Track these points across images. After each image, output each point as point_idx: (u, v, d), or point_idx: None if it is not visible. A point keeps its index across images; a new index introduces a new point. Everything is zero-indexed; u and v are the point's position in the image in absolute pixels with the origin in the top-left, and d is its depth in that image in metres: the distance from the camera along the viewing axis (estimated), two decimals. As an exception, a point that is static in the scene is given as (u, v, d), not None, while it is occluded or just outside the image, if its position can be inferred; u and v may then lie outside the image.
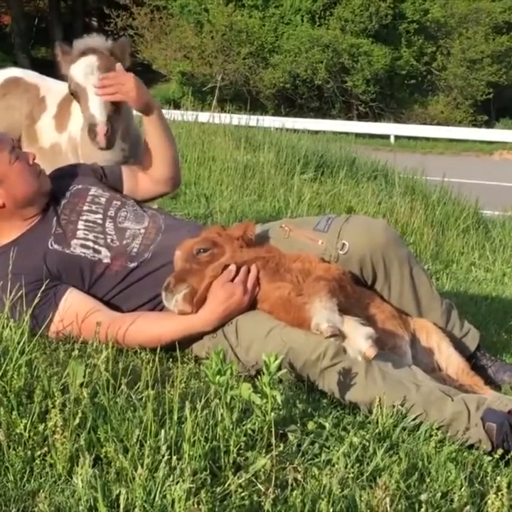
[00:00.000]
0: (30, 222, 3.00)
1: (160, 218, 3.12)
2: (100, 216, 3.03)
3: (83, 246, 2.94)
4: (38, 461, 1.97)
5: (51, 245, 2.93)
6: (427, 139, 27.81)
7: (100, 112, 3.22)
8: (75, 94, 3.34)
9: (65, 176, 3.19)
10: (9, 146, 2.96)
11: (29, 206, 2.99)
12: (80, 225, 2.99)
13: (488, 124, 31.67)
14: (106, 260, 2.94)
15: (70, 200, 3.07)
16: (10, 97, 4.18)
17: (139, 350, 2.77)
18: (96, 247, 2.95)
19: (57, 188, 3.08)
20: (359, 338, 2.49)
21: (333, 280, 2.68)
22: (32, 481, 1.93)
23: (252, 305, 2.79)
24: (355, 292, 2.84)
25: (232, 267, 2.76)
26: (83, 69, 3.24)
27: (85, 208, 3.04)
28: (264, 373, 2.17)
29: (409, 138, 27.69)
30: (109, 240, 2.98)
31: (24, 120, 4.12)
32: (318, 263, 2.84)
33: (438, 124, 30.46)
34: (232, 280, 2.74)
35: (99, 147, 3.27)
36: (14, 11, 36.07)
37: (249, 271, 2.78)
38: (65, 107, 3.95)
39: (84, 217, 3.01)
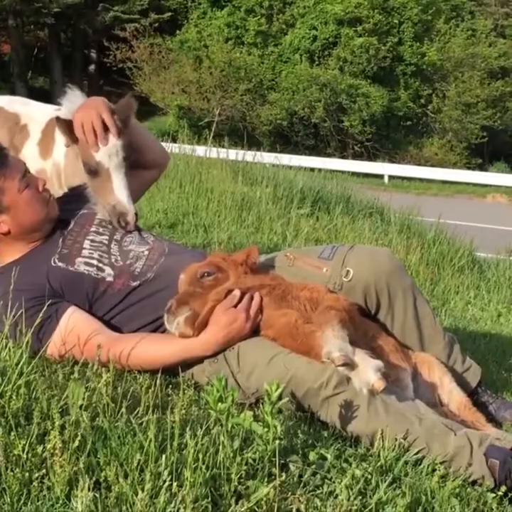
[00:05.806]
0: (33, 246, 3.01)
1: (164, 243, 3.14)
2: (106, 237, 3.04)
3: (87, 264, 2.94)
4: (35, 484, 1.92)
5: (54, 262, 2.92)
6: (421, 180, 28.01)
7: (129, 199, 3.05)
8: (96, 173, 3.10)
9: (73, 200, 3.20)
10: (20, 174, 2.93)
11: (34, 233, 3.00)
12: (86, 244, 3.00)
13: (482, 167, 31.95)
14: (109, 278, 2.94)
15: (78, 222, 3.09)
16: None
17: (138, 376, 2.74)
18: (100, 265, 2.95)
19: (65, 212, 3.09)
20: (369, 370, 2.47)
21: (343, 310, 2.67)
22: (29, 503, 1.88)
23: (255, 331, 2.77)
24: (362, 324, 2.83)
25: (236, 293, 2.75)
26: (107, 150, 3.05)
27: (92, 229, 3.07)
28: (265, 401, 2.14)
29: (403, 178, 27.86)
30: (113, 260, 2.98)
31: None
32: (326, 293, 2.82)
33: (432, 165, 30.65)
34: (235, 306, 2.73)
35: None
36: (14, 40, 36.36)
37: (252, 298, 2.76)
38: (48, 133, 3.85)
39: (90, 237, 3.03)
